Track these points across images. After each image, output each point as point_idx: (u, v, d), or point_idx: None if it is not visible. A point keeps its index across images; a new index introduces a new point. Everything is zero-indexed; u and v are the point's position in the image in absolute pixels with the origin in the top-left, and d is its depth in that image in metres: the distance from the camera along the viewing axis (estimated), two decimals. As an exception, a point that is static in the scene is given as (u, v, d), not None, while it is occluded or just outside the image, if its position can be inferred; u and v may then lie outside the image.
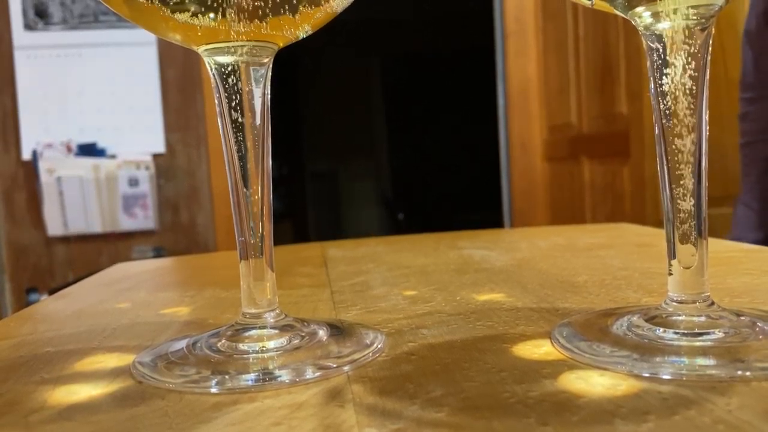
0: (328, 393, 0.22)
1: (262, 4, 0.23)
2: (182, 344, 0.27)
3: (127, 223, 2.18)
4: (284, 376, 0.24)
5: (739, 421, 0.18)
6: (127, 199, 2.18)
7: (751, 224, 0.99)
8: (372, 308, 0.34)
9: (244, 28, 0.24)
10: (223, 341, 0.27)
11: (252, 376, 0.24)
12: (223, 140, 0.27)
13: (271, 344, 0.26)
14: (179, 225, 2.22)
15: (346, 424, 0.19)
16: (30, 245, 2.18)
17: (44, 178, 2.13)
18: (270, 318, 0.27)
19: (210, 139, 2.18)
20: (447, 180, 4.42)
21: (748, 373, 0.21)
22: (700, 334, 0.25)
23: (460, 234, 0.65)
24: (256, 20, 0.24)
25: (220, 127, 0.27)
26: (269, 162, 0.27)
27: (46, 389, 0.24)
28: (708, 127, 0.25)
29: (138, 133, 2.19)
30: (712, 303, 0.25)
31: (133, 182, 2.17)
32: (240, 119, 0.26)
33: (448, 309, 0.33)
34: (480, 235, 0.64)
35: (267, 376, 0.24)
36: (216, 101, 0.26)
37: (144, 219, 2.18)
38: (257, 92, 0.27)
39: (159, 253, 2.17)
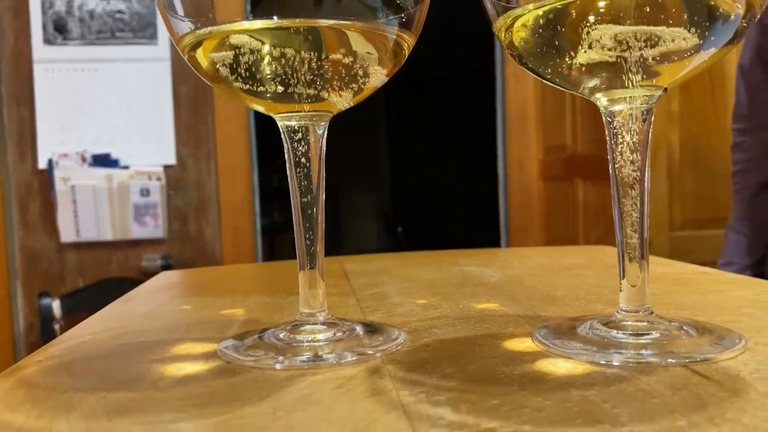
0: (370, 370, 0.30)
1: (323, 89, 0.32)
2: (254, 335, 0.36)
3: (137, 232, 2.26)
4: (331, 359, 0.32)
5: (653, 390, 0.26)
6: (138, 208, 2.26)
7: (741, 249, 1.06)
8: (392, 313, 0.43)
9: (309, 103, 0.33)
10: (285, 333, 0.35)
11: (306, 357, 0.33)
12: (289, 179, 0.35)
13: (320, 336, 0.35)
14: (188, 235, 2.30)
15: (387, 388, 0.28)
16: (43, 251, 2.25)
17: (59, 186, 2.21)
18: (320, 317, 0.36)
19: (219, 153, 2.27)
20: (446, 196, 4.52)
21: (672, 360, 0.30)
22: (642, 335, 0.33)
23: (460, 252, 0.74)
24: (318, 99, 0.33)
25: (288, 169, 0.35)
26: (323, 195, 0.36)
27: (158, 366, 0.33)
28: (650, 181, 0.34)
29: (150, 145, 2.27)
30: (652, 312, 0.34)
31: (145, 192, 2.26)
32: (304, 164, 0.35)
33: (453, 314, 0.42)
34: (478, 254, 0.72)
35: (318, 359, 0.33)
36: (285, 152, 0.35)
37: (154, 228, 2.26)
38: (316, 144, 0.35)
39: (167, 261, 2.25)
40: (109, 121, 2.26)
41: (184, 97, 2.25)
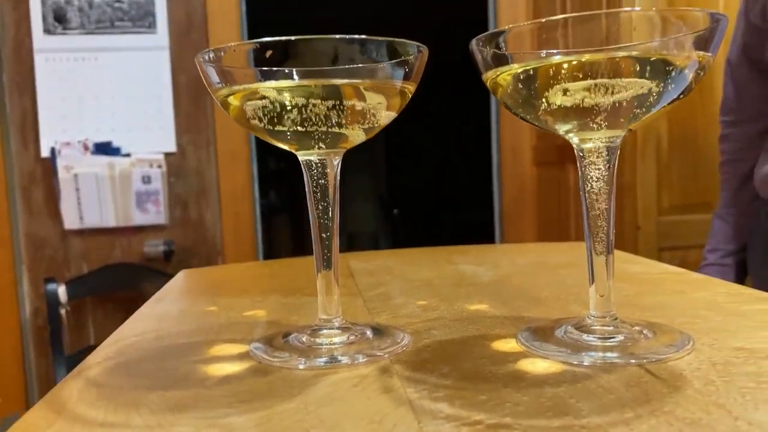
0: (381, 370, 0.37)
1: (340, 132, 0.38)
2: (279, 338, 0.42)
3: (139, 218, 2.32)
4: (345, 360, 0.39)
5: (611, 387, 0.33)
6: (139, 195, 2.31)
7: (726, 236, 1.12)
8: (396, 314, 0.49)
9: (326, 145, 0.39)
10: (307, 337, 0.41)
11: (325, 359, 0.39)
12: (308, 201, 0.41)
13: (336, 339, 0.41)
14: (188, 221, 2.35)
15: (395, 386, 0.34)
16: (47, 238, 2.31)
17: (62, 174, 2.26)
18: (336, 322, 0.42)
19: (218, 141, 2.31)
20: (441, 181, 4.58)
21: (633, 361, 0.36)
22: (609, 338, 0.39)
23: (454, 249, 0.80)
24: (335, 139, 0.38)
25: (306, 192, 0.41)
26: (338, 213, 0.42)
27: (201, 366, 0.39)
28: (615, 202, 0.40)
29: (151, 133, 2.32)
30: (616, 318, 0.40)
31: (146, 179, 2.31)
32: (321, 188, 0.41)
33: (449, 316, 0.48)
34: (470, 251, 0.79)
35: (335, 360, 0.39)
36: (305, 179, 0.41)
37: (156, 214, 2.32)
38: (332, 173, 0.41)
39: (169, 246, 2.31)
40: (110, 110, 2.30)
41: (184, 86, 2.30)
